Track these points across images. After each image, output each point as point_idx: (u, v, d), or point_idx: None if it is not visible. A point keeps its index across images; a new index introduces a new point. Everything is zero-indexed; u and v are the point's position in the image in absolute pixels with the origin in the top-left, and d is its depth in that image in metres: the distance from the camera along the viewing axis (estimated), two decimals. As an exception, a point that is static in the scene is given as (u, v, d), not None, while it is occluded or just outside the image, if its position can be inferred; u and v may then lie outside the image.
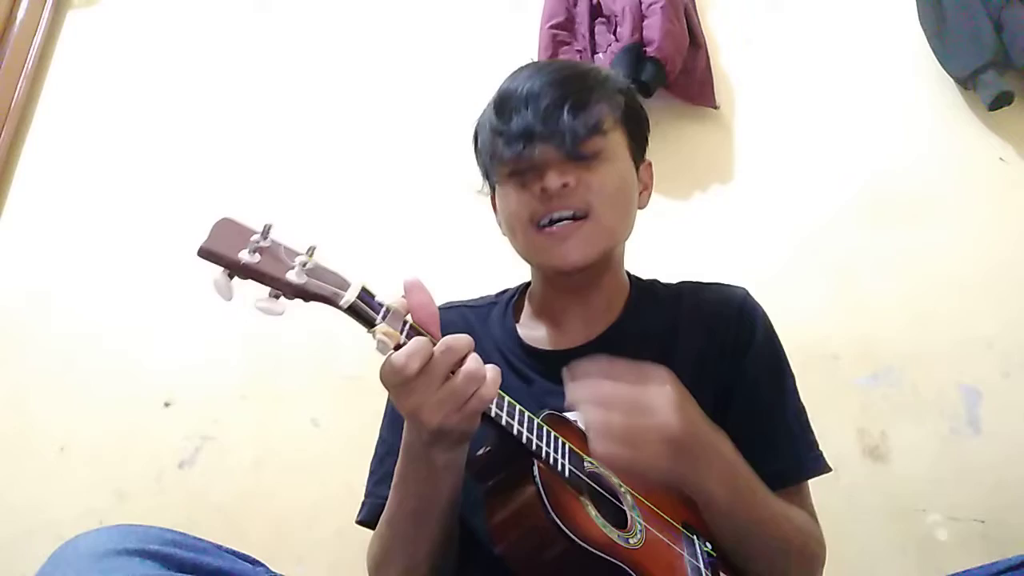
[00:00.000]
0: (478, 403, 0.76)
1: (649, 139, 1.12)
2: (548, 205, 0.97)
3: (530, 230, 1.00)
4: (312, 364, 1.71)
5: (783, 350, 1.08)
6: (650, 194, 1.12)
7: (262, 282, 0.68)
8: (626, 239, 1.08)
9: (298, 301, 0.70)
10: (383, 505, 0.93)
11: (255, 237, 0.67)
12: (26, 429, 1.75)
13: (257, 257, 0.67)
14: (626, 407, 0.77)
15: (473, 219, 1.61)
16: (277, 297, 0.69)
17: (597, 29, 1.78)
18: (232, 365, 1.74)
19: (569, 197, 0.97)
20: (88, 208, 1.95)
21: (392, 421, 1.07)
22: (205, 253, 0.66)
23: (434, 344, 0.74)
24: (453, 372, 0.75)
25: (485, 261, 1.55)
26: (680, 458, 0.78)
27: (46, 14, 2.14)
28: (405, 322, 0.75)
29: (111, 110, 2.05)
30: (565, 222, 0.97)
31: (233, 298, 0.67)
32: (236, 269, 0.67)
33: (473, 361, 0.76)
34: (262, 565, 0.83)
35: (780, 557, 0.91)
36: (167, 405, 1.73)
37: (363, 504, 1.05)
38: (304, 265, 0.69)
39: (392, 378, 0.74)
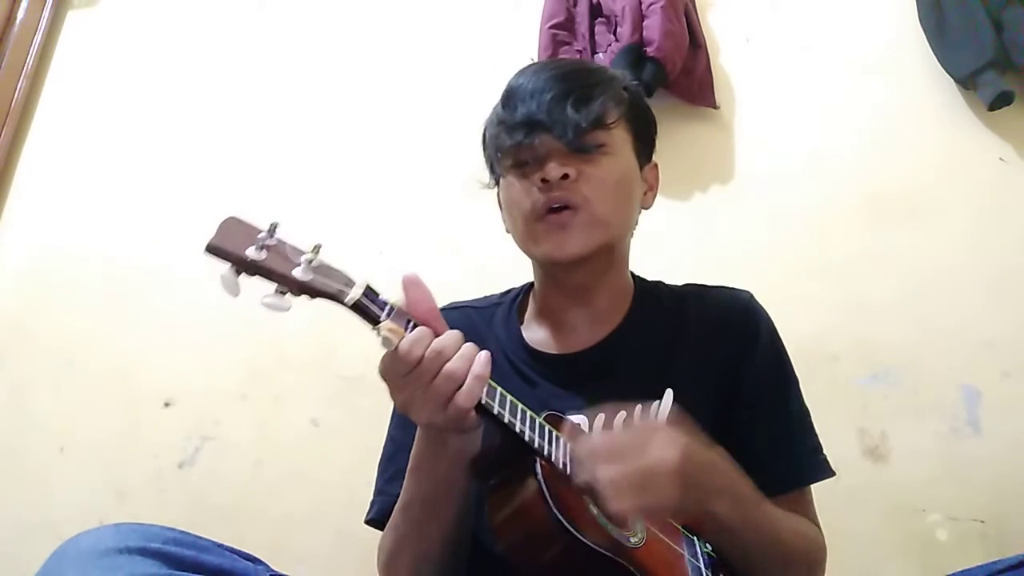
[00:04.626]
0: (455, 409, 0.76)
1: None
2: (548, 195, 0.97)
3: (530, 220, 1.00)
4: (312, 364, 1.71)
5: (787, 354, 1.08)
6: (655, 196, 1.12)
7: (269, 278, 0.70)
8: (626, 237, 1.08)
9: (303, 298, 0.72)
10: (394, 503, 0.93)
11: (261, 235, 0.69)
12: (26, 429, 1.75)
13: (264, 254, 0.69)
14: (624, 456, 0.77)
15: (473, 218, 1.61)
16: (283, 294, 0.70)
17: (597, 29, 1.78)
18: (232, 365, 1.74)
19: (568, 188, 0.97)
20: (88, 208, 1.95)
21: (401, 419, 1.06)
22: (213, 249, 0.68)
23: (437, 336, 0.76)
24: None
25: (486, 261, 1.55)
26: (687, 487, 0.77)
27: (46, 14, 2.15)
28: (409, 319, 0.76)
29: (111, 110, 2.05)
30: (563, 211, 0.98)
31: (240, 294, 0.68)
32: (243, 265, 0.68)
33: (457, 361, 0.76)
34: (263, 563, 0.84)
35: (783, 567, 0.92)
36: (167, 405, 1.73)
37: (372, 503, 1.05)
38: (310, 262, 0.70)
39: (394, 367, 0.75)
